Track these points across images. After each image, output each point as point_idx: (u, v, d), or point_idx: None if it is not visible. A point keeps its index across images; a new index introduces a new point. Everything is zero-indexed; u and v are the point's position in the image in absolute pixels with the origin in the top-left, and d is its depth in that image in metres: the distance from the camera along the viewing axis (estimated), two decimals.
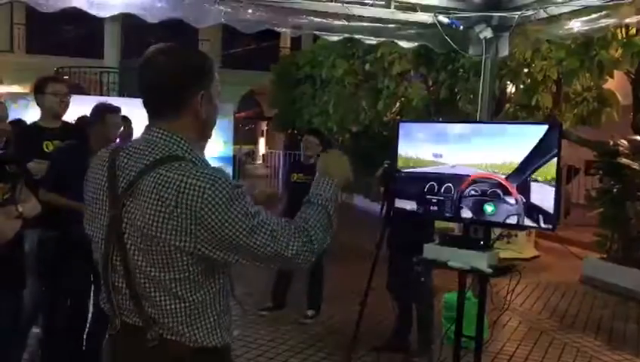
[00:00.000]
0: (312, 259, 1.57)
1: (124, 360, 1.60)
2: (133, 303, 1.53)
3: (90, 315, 3.81)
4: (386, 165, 4.15)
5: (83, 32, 19.91)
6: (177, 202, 1.42)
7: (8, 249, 2.57)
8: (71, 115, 4.22)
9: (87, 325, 3.82)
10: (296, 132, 15.74)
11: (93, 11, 4.11)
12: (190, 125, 1.57)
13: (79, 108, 3.96)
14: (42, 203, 2.95)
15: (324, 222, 1.61)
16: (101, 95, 15.35)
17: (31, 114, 10.00)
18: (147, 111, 1.59)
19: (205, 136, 1.66)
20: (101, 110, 3.78)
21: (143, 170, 1.48)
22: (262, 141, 29.31)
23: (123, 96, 13.78)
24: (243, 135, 23.42)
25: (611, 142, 7.31)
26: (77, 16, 4.42)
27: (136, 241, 1.47)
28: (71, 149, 3.74)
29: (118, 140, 3.79)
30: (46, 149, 3.78)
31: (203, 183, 1.42)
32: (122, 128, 4.03)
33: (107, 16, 4.27)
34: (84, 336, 3.83)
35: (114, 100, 4.77)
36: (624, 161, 6.90)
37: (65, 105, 3.96)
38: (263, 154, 24.71)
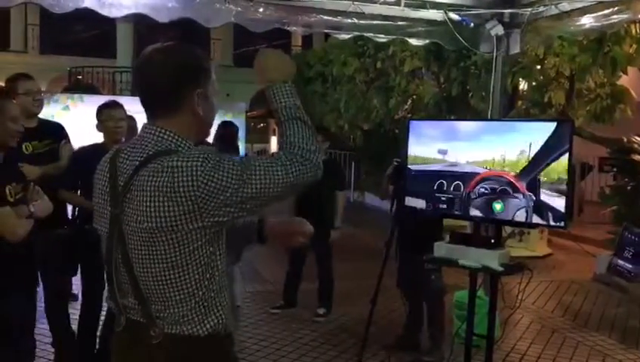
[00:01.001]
0: (317, 170, 1.56)
1: (128, 357, 1.63)
2: (136, 300, 1.56)
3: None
4: (395, 163, 4.17)
5: (96, 32, 20.07)
6: (173, 186, 1.45)
7: (21, 248, 2.60)
8: (90, 116, 4.14)
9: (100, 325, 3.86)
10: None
11: (104, 12, 4.13)
12: (187, 123, 1.59)
13: (93, 108, 3.98)
14: (57, 201, 2.98)
15: (306, 132, 1.59)
16: (114, 94, 15.45)
17: (43, 113, 10.09)
18: (145, 110, 1.62)
19: (203, 133, 1.69)
20: (98, 108, 3.83)
21: (138, 166, 1.52)
22: (274, 139, 29.35)
23: (136, 95, 13.88)
24: (255, 133, 23.46)
25: (625, 139, 7.25)
26: (90, 16, 4.45)
27: (136, 236, 1.51)
28: (89, 149, 3.79)
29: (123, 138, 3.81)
30: (25, 151, 3.60)
31: (193, 162, 1.46)
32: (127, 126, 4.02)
33: (118, 16, 4.29)
34: (97, 336, 3.86)
35: (127, 99, 4.81)
36: (638, 158, 6.84)
37: (39, 104, 3.79)
38: (273, 153, 24.80)
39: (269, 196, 1.52)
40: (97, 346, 3.84)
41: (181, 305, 1.53)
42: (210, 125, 1.70)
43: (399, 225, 4.15)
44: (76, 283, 5.78)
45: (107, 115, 3.78)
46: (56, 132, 3.97)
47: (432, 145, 3.29)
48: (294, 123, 1.59)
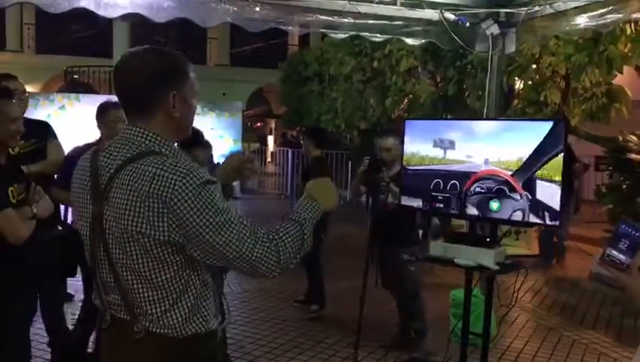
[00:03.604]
0: (275, 270, 1.56)
1: (113, 353, 1.65)
2: (120, 297, 1.59)
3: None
4: (367, 162, 4.23)
5: (92, 31, 20.01)
6: (149, 192, 1.47)
7: (22, 249, 2.59)
8: (87, 115, 4.12)
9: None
10: (304, 129, 15.76)
11: (100, 12, 4.14)
12: (164, 124, 1.62)
13: (89, 107, 3.98)
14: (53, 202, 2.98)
15: (296, 240, 1.60)
16: (110, 94, 15.41)
17: (40, 113, 10.07)
18: (124, 111, 1.65)
19: (181, 134, 1.70)
20: (103, 108, 3.81)
21: (120, 165, 1.54)
22: (271, 139, 29.34)
23: None
24: (252, 132, 23.48)
25: (621, 138, 7.26)
26: (86, 15, 4.45)
27: (115, 234, 1.53)
28: (83, 149, 3.79)
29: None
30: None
31: (174, 175, 1.47)
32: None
33: (114, 16, 4.30)
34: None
35: None
36: (634, 156, 6.85)
37: (24, 104, 3.73)
38: (272, 152, 24.79)
39: (222, 255, 1.51)
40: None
41: (158, 304, 1.55)
42: (189, 126, 1.71)
43: (374, 222, 4.19)
44: (77, 283, 5.78)
45: (115, 116, 3.74)
46: (42, 130, 3.94)
47: (428, 144, 3.30)
48: (297, 227, 1.62)
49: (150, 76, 1.59)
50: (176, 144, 1.69)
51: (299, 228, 1.62)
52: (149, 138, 1.59)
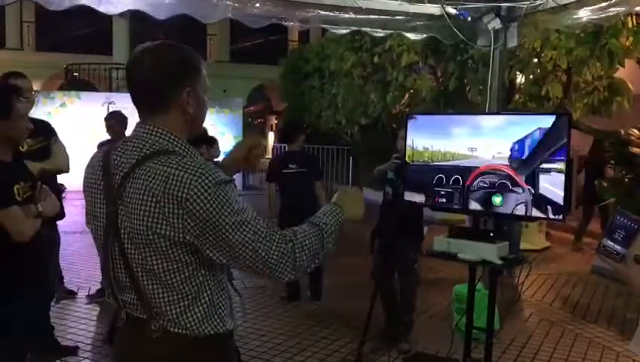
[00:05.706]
0: (291, 274, 1.55)
1: (129, 352, 1.64)
2: (135, 296, 1.57)
3: None
4: (395, 160, 4.22)
5: (92, 28, 20.01)
6: (164, 193, 1.45)
7: (29, 247, 2.59)
8: (87, 113, 4.28)
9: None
10: (305, 126, 15.76)
11: (101, 9, 4.12)
12: (178, 121, 1.60)
13: (89, 105, 4.02)
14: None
15: (315, 244, 1.59)
16: (110, 91, 15.43)
17: (41, 111, 10.06)
18: (137, 109, 1.62)
19: (194, 131, 1.69)
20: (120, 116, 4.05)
21: (134, 164, 1.52)
22: (271, 135, 29.38)
23: None
24: (252, 129, 23.47)
25: (622, 132, 7.24)
26: (86, 13, 4.44)
27: (130, 234, 1.52)
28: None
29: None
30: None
31: (189, 175, 1.46)
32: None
33: (115, 13, 4.29)
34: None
35: (123, 96, 4.86)
36: (635, 150, 6.84)
37: (31, 102, 3.77)
38: (272, 148, 24.84)
39: (238, 255, 1.49)
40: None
41: (174, 305, 1.54)
42: (202, 122, 1.71)
43: (384, 217, 4.24)
44: (77, 281, 5.80)
45: None
46: (46, 130, 4.04)
47: (430, 139, 3.30)
48: (316, 231, 1.61)
49: (164, 73, 1.57)
50: None
51: (318, 232, 1.60)
52: (162, 136, 1.56)
